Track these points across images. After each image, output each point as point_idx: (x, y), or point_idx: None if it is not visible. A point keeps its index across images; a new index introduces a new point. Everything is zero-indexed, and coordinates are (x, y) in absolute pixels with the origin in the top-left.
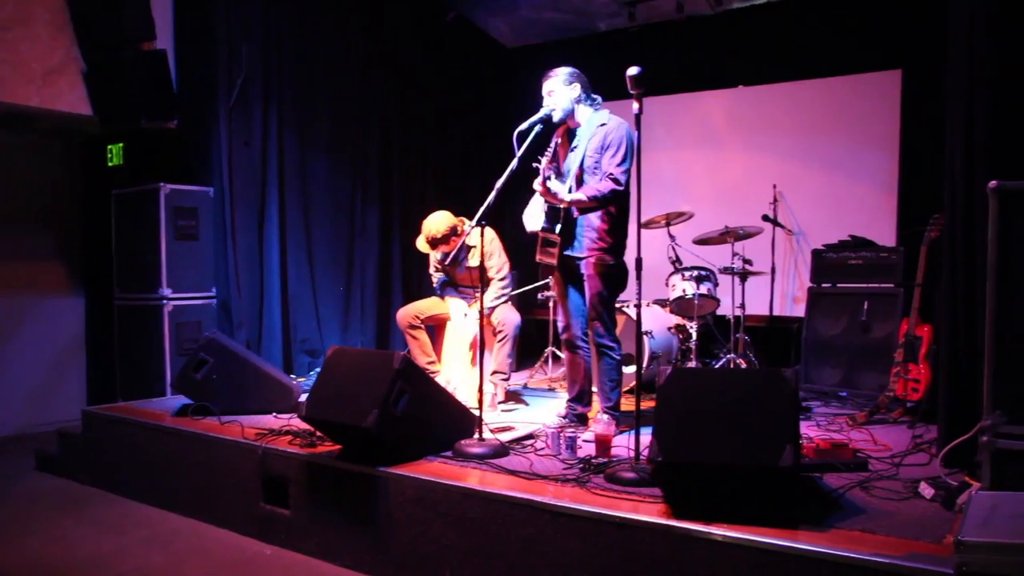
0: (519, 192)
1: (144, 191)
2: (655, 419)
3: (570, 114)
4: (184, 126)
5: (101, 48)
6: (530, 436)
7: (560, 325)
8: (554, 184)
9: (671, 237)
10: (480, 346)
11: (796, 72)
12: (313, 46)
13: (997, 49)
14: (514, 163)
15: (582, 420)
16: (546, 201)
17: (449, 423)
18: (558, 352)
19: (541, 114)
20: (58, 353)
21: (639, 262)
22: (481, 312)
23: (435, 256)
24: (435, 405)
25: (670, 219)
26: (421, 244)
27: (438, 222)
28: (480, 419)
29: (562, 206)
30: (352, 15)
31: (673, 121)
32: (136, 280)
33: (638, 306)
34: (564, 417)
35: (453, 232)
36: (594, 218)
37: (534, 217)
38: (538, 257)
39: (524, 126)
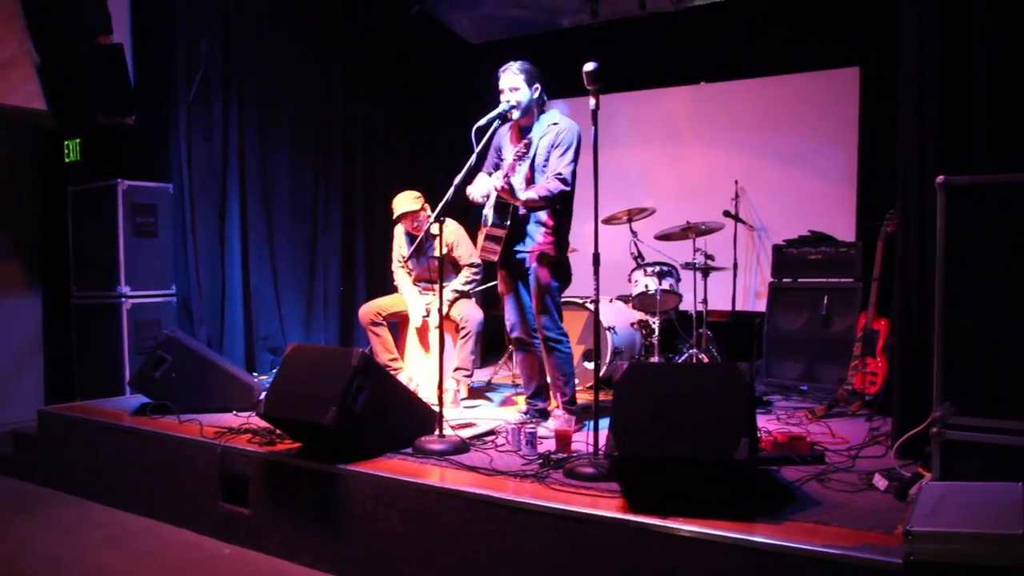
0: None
1: (101, 187)
2: (611, 414)
3: (527, 113)
4: (142, 122)
5: (55, 41)
6: (491, 432)
7: (508, 324)
8: (516, 181)
9: (633, 233)
10: (440, 342)
11: (757, 69)
12: (274, 41)
13: (946, 47)
14: (472, 158)
15: (543, 415)
16: (497, 198)
17: (409, 420)
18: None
19: (500, 109)
20: (14, 352)
21: (596, 257)
22: (441, 306)
23: (398, 253)
24: (395, 402)
25: (632, 215)
26: (399, 229)
27: (406, 195)
28: (440, 416)
29: (515, 203)
30: (313, 10)
31: (636, 117)
32: (94, 278)
33: (596, 302)
34: (526, 414)
35: (422, 208)
36: (541, 213)
37: (480, 187)
38: (480, 254)
39: (483, 122)
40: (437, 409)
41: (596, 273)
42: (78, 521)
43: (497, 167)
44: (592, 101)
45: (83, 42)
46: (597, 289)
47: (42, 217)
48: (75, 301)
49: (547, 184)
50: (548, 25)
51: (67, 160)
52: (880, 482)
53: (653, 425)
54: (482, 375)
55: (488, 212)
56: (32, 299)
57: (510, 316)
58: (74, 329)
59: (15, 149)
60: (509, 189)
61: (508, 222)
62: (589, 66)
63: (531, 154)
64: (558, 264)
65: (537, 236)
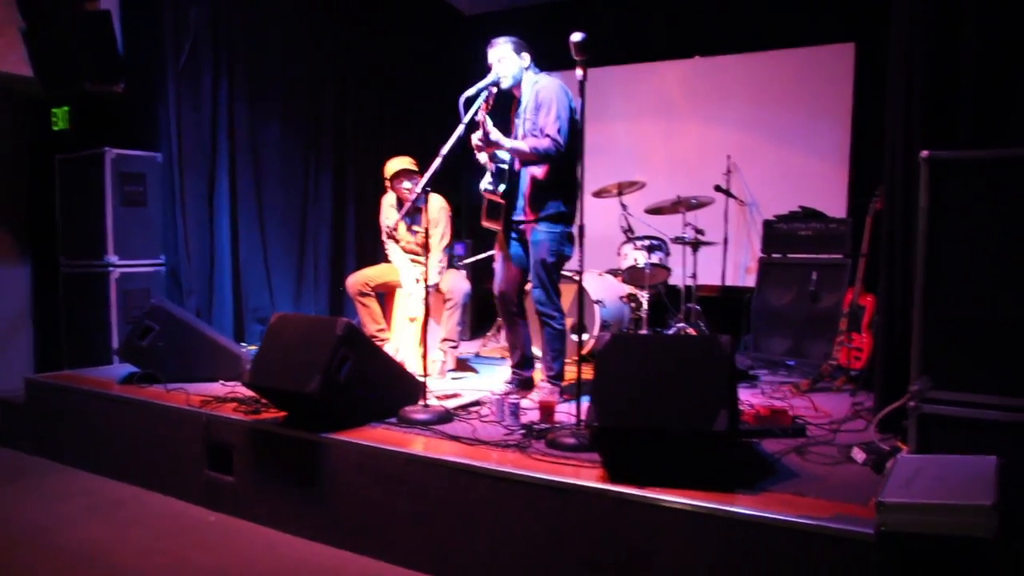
0: (471, 158)
1: (89, 156)
2: (593, 385)
3: (518, 83)
4: (131, 90)
5: (40, 7)
6: (476, 403)
7: (496, 289)
8: (495, 133)
9: (623, 206)
10: (424, 314)
11: (752, 43)
12: (264, 11)
13: (935, 23)
14: (460, 128)
15: (527, 385)
16: (491, 159)
17: (394, 390)
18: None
19: (489, 80)
20: (3, 322)
21: (581, 229)
22: (426, 282)
23: (385, 223)
24: (379, 372)
25: (622, 188)
26: (389, 197)
27: (401, 158)
28: (424, 386)
29: (503, 152)
30: None
31: (630, 91)
32: (82, 247)
33: (580, 273)
34: (510, 383)
35: (415, 172)
36: (545, 184)
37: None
38: (483, 222)
39: (471, 91)
40: (422, 379)
41: (581, 245)
42: (64, 489)
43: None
44: (579, 72)
45: (69, 8)
46: (582, 262)
47: (31, 186)
48: (63, 270)
49: (537, 140)
50: None
51: (55, 128)
52: (858, 455)
53: (634, 397)
54: (471, 347)
55: (488, 178)
56: (21, 269)
57: (500, 281)
58: (62, 298)
59: (2, 117)
60: (487, 142)
61: (503, 187)
62: (576, 36)
63: (520, 115)
64: (559, 238)
65: (540, 207)
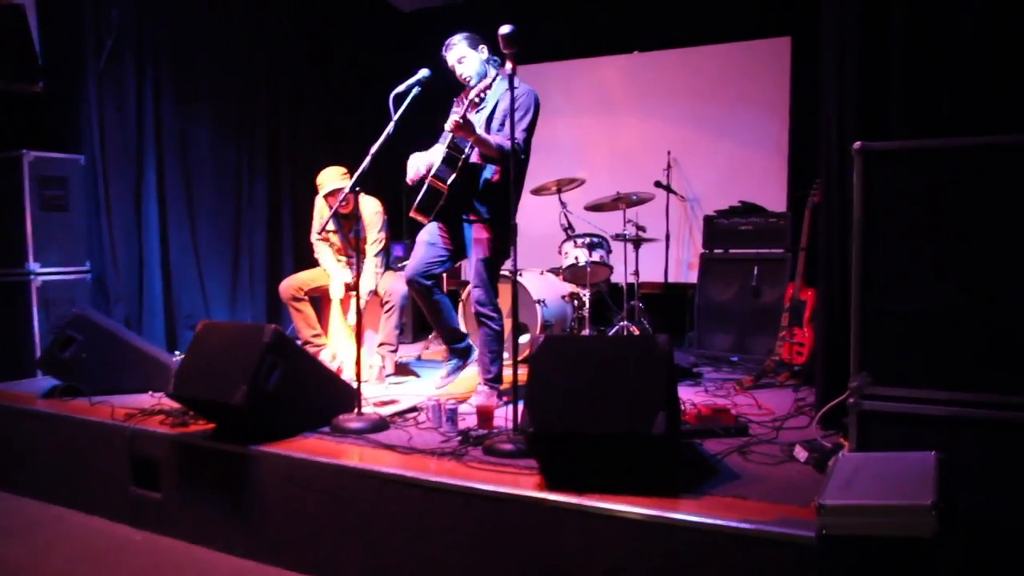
0: (395, 157)
1: (5, 159)
2: (527, 389)
3: (483, 77)
4: (50, 90)
5: None
6: (413, 409)
7: (410, 266)
8: (473, 118)
9: (562, 204)
10: (357, 317)
11: (690, 38)
12: (191, 7)
13: (864, 13)
14: (390, 127)
15: (464, 355)
16: (447, 148)
17: (327, 398)
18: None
19: (419, 76)
20: None
21: (514, 228)
22: (357, 287)
23: (318, 224)
24: (311, 379)
25: (561, 185)
26: (320, 200)
27: (333, 171)
28: (359, 393)
29: (469, 142)
30: None
31: (569, 86)
32: (0, 255)
33: (514, 272)
34: (449, 364)
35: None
36: (497, 186)
37: (419, 164)
38: (412, 212)
39: (401, 88)
40: (358, 386)
41: (513, 243)
42: None
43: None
44: (508, 65)
45: None
46: (515, 260)
47: None
48: None
49: (502, 140)
50: None
51: None
52: (800, 454)
53: (569, 400)
54: (412, 350)
55: (434, 164)
56: None
57: (416, 257)
58: None
59: None
60: (465, 124)
61: (453, 176)
62: (505, 29)
63: (488, 109)
64: (498, 236)
65: (486, 204)
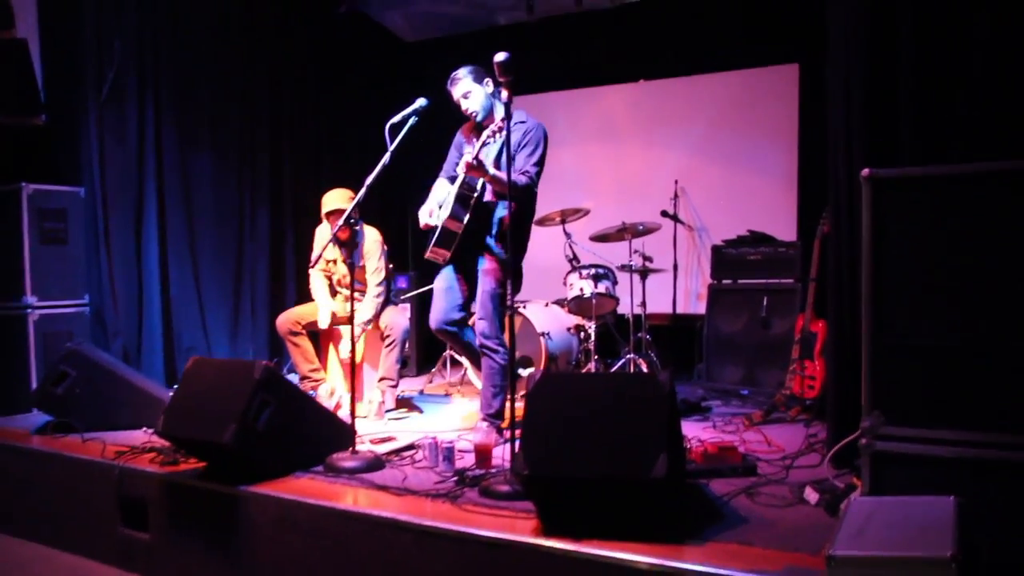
0: (400, 187)
1: (4, 192)
2: (522, 428)
3: (489, 112)
4: (53, 123)
5: None
6: (411, 447)
7: (433, 318)
8: (485, 157)
9: (567, 235)
10: (352, 353)
11: (696, 66)
12: (193, 40)
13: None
14: (386, 158)
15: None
16: (459, 187)
17: (321, 436)
18: (456, 356)
19: (416, 106)
20: None
21: (506, 262)
22: (352, 319)
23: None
24: (304, 417)
25: (566, 216)
26: (322, 229)
27: (338, 192)
28: (353, 431)
29: (483, 180)
30: (236, 7)
31: (574, 116)
32: None
33: (511, 307)
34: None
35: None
36: (500, 218)
37: (432, 208)
38: (429, 253)
39: (397, 119)
40: (353, 423)
41: (508, 278)
42: None
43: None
44: (504, 94)
45: None
46: (511, 294)
47: None
48: None
49: (517, 176)
50: (483, 22)
51: None
52: (811, 495)
53: (566, 441)
54: (416, 383)
55: (447, 204)
56: None
57: (436, 307)
58: None
59: None
60: (478, 164)
61: (467, 216)
62: (500, 56)
63: (496, 144)
64: (508, 270)
65: (495, 237)
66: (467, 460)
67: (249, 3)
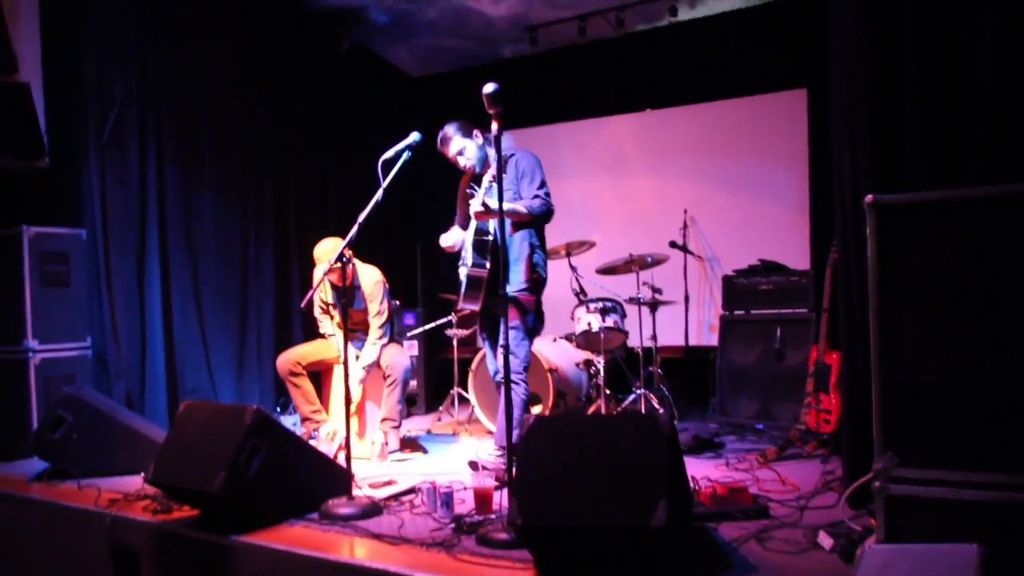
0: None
1: (5, 235)
2: (516, 475)
3: (484, 161)
4: (55, 165)
5: None
6: (411, 491)
7: (491, 368)
8: (491, 200)
9: (572, 268)
10: (346, 394)
11: (703, 94)
12: (194, 79)
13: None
14: (379, 193)
15: None
16: (474, 235)
17: (316, 481)
18: (464, 393)
19: (408, 141)
20: None
21: (504, 296)
22: (345, 359)
23: (319, 297)
24: (298, 462)
25: (571, 249)
26: (318, 273)
27: (331, 247)
28: (350, 474)
29: (490, 221)
30: (237, 46)
31: (580, 147)
32: (0, 331)
33: (505, 347)
34: None
35: (349, 261)
36: (518, 254)
37: (454, 237)
38: (461, 304)
39: (390, 154)
40: (349, 468)
41: (504, 313)
42: None
43: (467, 219)
44: (494, 126)
45: None
46: (507, 332)
47: None
48: None
49: (529, 202)
50: (488, 55)
51: None
52: (825, 540)
53: (561, 487)
54: (424, 422)
55: (467, 254)
56: None
57: (492, 359)
58: None
59: None
60: (486, 209)
61: (489, 260)
62: (488, 87)
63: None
64: (531, 305)
65: (515, 274)
66: (468, 504)
67: (251, 42)
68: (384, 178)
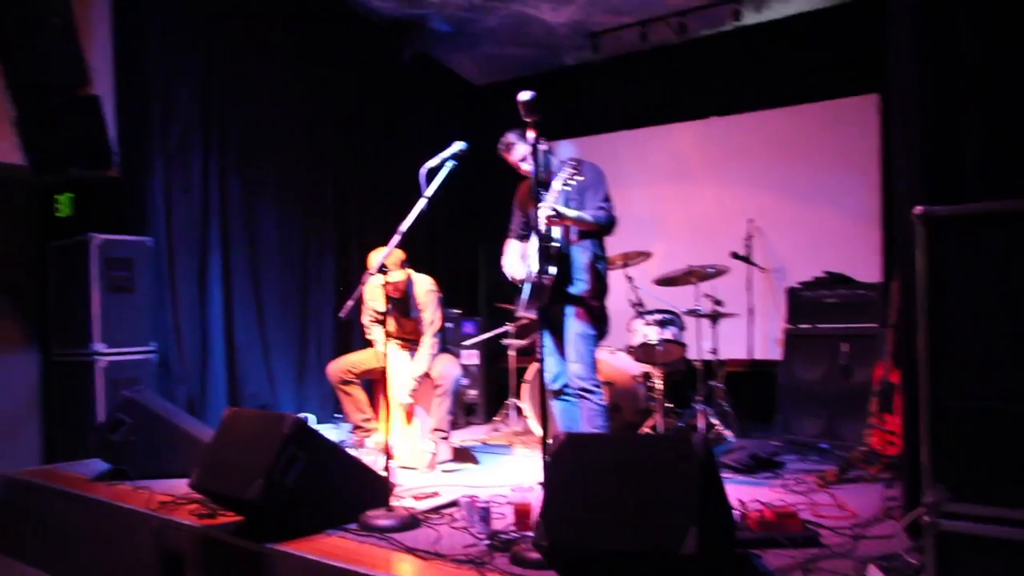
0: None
1: (76, 243)
2: (543, 494)
3: (548, 166)
4: (124, 174)
5: (32, 95)
6: (453, 503)
7: (548, 375)
8: (563, 209)
9: (628, 279)
10: (386, 403)
11: (769, 100)
12: (257, 89)
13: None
14: (422, 202)
15: None
16: (540, 242)
17: (356, 491)
18: (520, 404)
19: (453, 150)
20: (10, 411)
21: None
22: (387, 367)
23: (370, 307)
24: (338, 472)
25: (627, 259)
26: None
27: (394, 253)
28: (391, 486)
29: (566, 224)
30: (299, 57)
31: (642, 156)
32: (70, 335)
33: (541, 360)
34: None
35: (404, 265)
36: (583, 261)
37: (518, 264)
38: (521, 311)
39: (434, 162)
40: (392, 478)
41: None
42: None
43: (525, 227)
44: (531, 135)
45: (59, 94)
46: (542, 344)
47: (38, 274)
48: (54, 359)
49: (594, 212)
50: (550, 63)
51: (58, 215)
52: (875, 575)
53: (590, 509)
54: (481, 432)
55: (531, 261)
56: (29, 356)
57: (551, 367)
58: (55, 388)
59: (6, 204)
60: (558, 215)
61: (554, 268)
62: (524, 95)
63: (560, 201)
64: (596, 312)
65: (581, 282)
66: (509, 519)
67: (313, 53)
68: (426, 186)
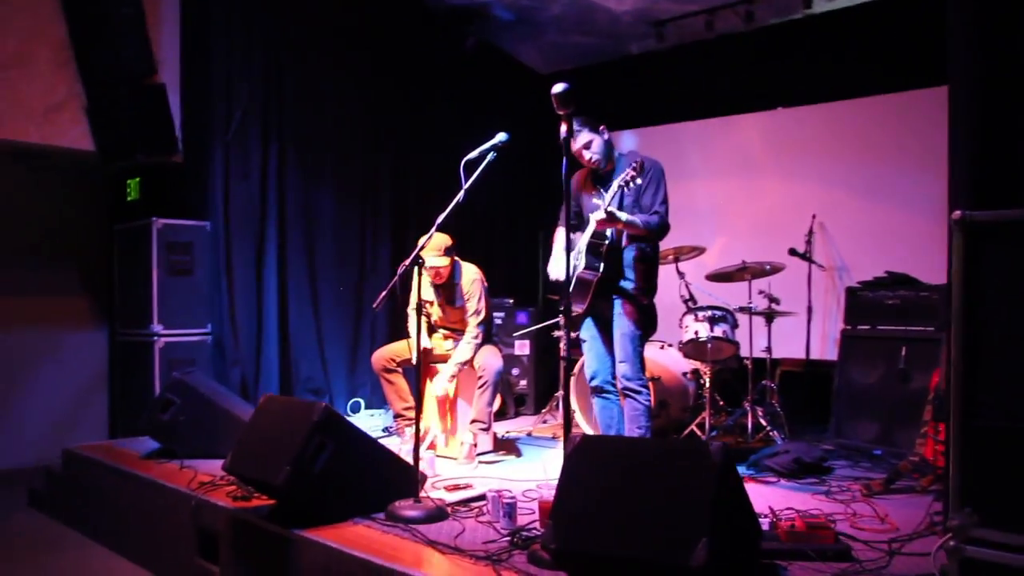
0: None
1: (139, 226)
2: (555, 496)
3: (609, 157)
4: (186, 161)
5: (102, 83)
6: (482, 497)
7: (588, 371)
8: (618, 212)
9: (680, 274)
10: (417, 392)
11: (838, 91)
12: (317, 78)
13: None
14: (460, 195)
15: None
16: (590, 239)
17: (384, 481)
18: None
19: (494, 141)
20: (81, 386)
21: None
22: (422, 356)
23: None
24: (366, 461)
25: (680, 254)
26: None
27: (436, 245)
28: (421, 477)
29: (617, 228)
30: (360, 46)
31: (707, 147)
32: (132, 316)
33: (567, 360)
34: None
35: (451, 261)
36: (633, 258)
37: (559, 262)
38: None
39: (474, 155)
40: (421, 468)
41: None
42: (73, 566)
43: (577, 217)
44: (563, 127)
45: (128, 83)
46: (568, 340)
47: (108, 256)
48: (117, 338)
49: (647, 216)
50: (615, 52)
51: (128, 199)
52: None
53: (601, 513)
54: (526, 423)
55: (579, 255)
56: (98, 335)
57: (591, 363)
58: (116, 366)
59: (80, 188)
60: (611, 217)
61: (602, 264)
62: (558, 87)
63: (614, 188)
64: (645, 310)
65: (629, 280)
66: (536, 515)
67: (374, 42)
68: (466, 180)
